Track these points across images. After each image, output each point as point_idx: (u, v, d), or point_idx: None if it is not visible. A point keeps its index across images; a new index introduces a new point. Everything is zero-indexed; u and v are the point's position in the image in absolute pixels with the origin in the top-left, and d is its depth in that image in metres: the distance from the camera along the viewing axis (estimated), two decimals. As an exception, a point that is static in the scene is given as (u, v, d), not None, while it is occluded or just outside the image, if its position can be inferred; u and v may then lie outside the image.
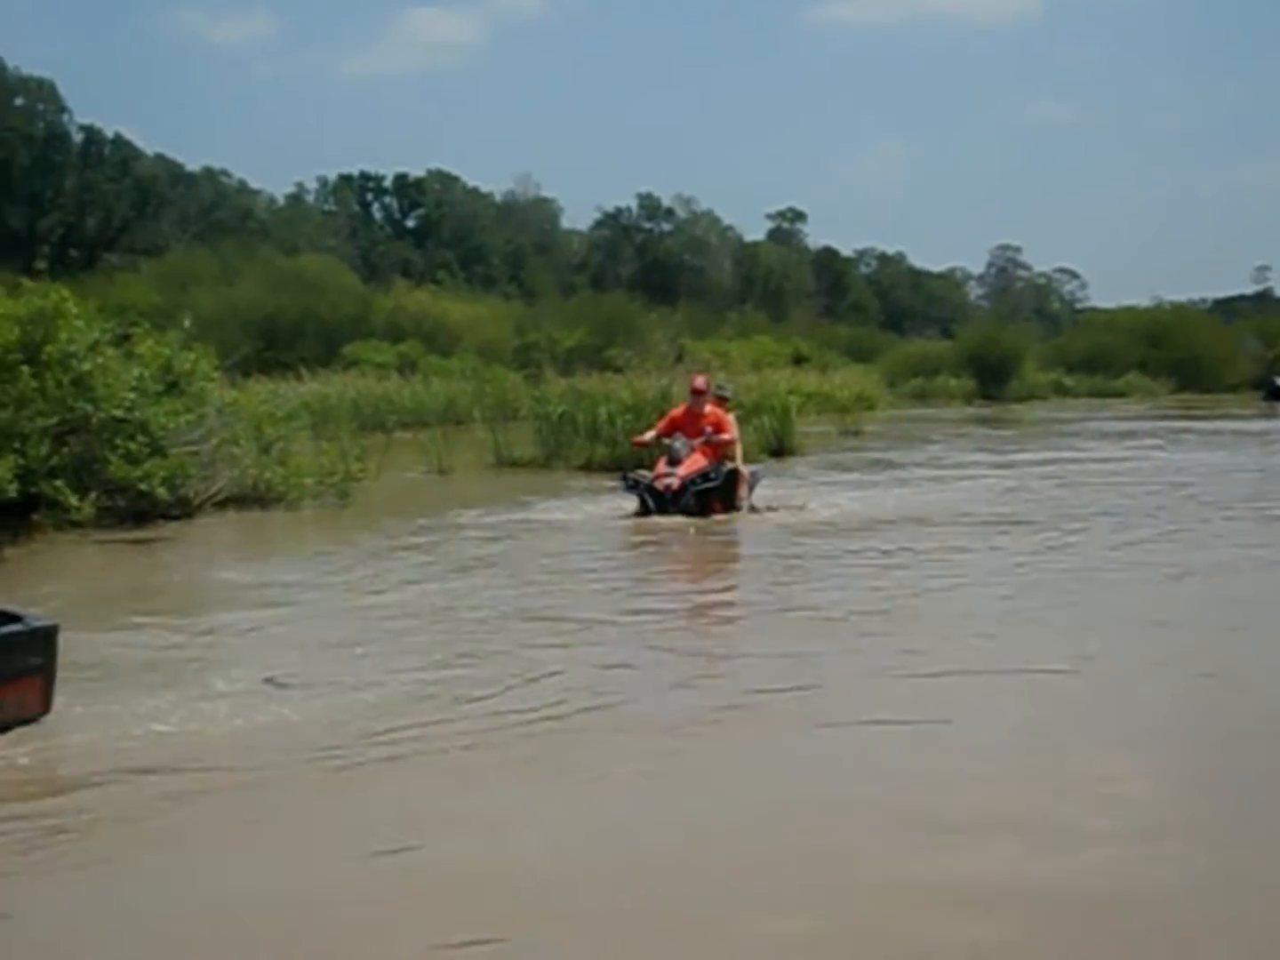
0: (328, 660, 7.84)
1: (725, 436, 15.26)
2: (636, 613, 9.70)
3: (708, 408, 15.42)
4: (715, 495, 14.90)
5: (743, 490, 15.29)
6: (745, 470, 15.54)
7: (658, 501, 14.57)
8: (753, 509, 15.32)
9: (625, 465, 16.88)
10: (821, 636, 8.66)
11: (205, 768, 5.81)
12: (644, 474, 15.14)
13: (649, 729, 6.54)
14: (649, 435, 15.90)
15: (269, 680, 7.21)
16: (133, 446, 14.45)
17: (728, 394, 16.81)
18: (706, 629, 9.72)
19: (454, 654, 8.04)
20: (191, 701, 6.76)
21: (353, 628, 8.92)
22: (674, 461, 14.83)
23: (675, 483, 14.58)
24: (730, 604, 10.65)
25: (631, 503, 15.03)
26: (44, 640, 6.29)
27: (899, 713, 6.69)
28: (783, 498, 16.02)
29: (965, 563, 11.78)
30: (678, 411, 15.79)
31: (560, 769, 5.93)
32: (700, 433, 15.12)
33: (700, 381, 15.93)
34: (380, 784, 5.71)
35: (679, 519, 14.29)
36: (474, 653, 8.10)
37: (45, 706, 6.27)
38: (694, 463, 14.85)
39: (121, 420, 14.54)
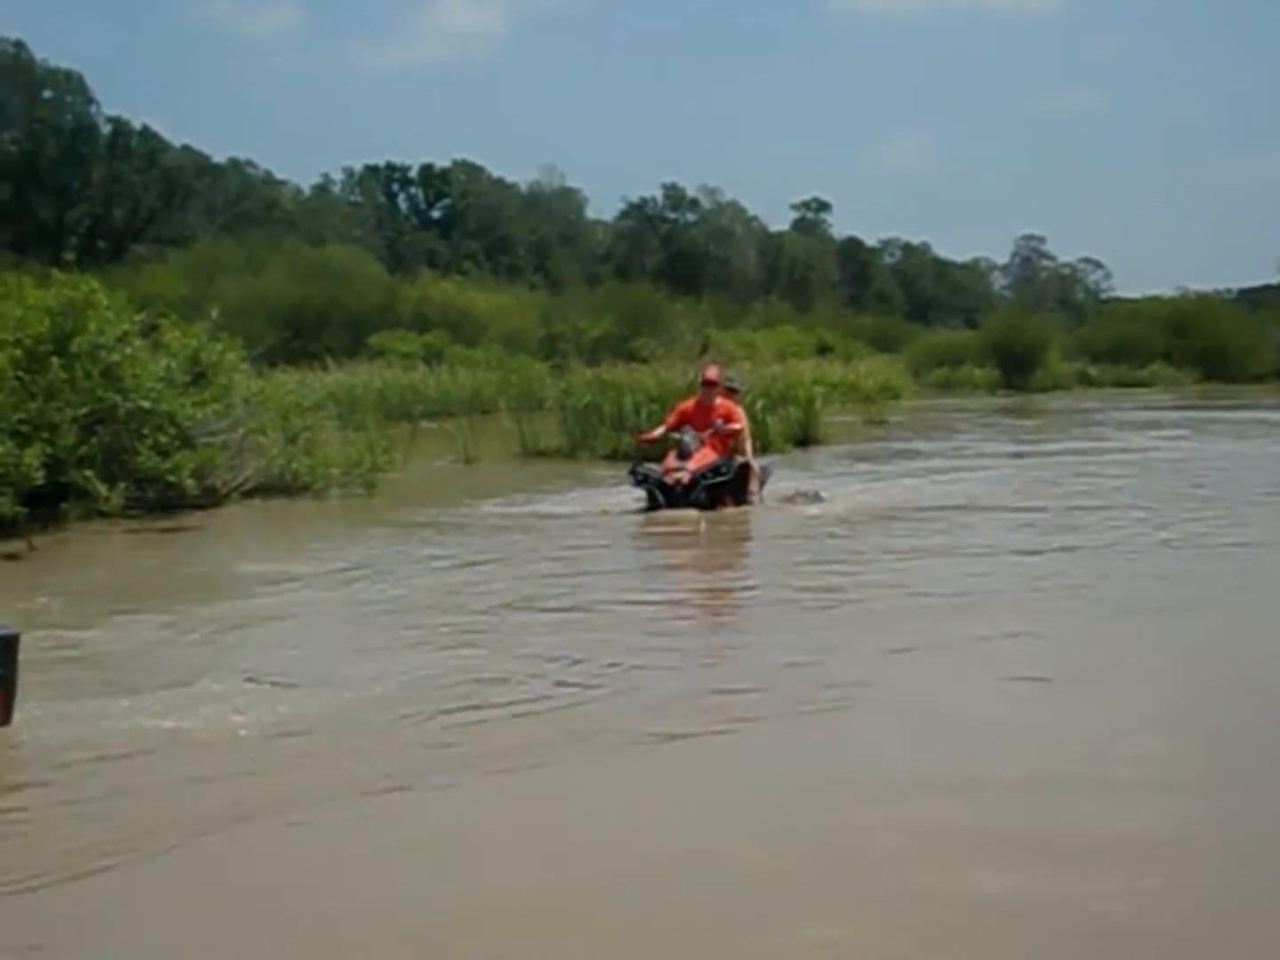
0: (337, 657, 7.77)
1: (735, 426, 15.00)
2: (656, 606, 9.72)
3: (718, 400, 15.17)
4: (726, 489, 14.64)
5: (754, 484, 15.03)
6: (756, 465, 15.31)
7: (667, 496, 14.32)
8: (783, 502, 15.04)
9: (636, 458, 16.40)
10: (842, 631, 8.56)
11: (200, 767, 5.76)
12: (653, 468, 14.82)
13: (677, 722, 6.50)
14: (657, 432, 15.62)
15: (268, 680, 7.04)
16: (162, 439, 14.51)
17: (738, 386, 16.62)
18: (721, 623, 9.71)
19: (475, 648, 7.99)
20: (191, 699, 6.69)
21: (369, 622, 8.90)
22: (684, 455, 14.58)
23: (685, 477, 14.34)
24: (744, 598, 10.53)
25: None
26: (3, 650, 6.09)
27: (926, 709, 6.73)
28: (800, 490, 15.67)
29: (993, 556, 11.64)
30: (687, 404, 15.52)
31: (575, 767, 5.93)
32: (710, 425, 14.87)
33: (711, 373, 15.68)
34: (392, 777, 5.68)
35: (691, 513, 14.08)
36: (484, 645, 8.06)
37: (5, 718, 6.09)
38: (704, 457, 14.62)
39: (149, 411, 14.59)
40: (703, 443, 14.73)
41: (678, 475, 14.36)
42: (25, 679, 6.25)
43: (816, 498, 15.23)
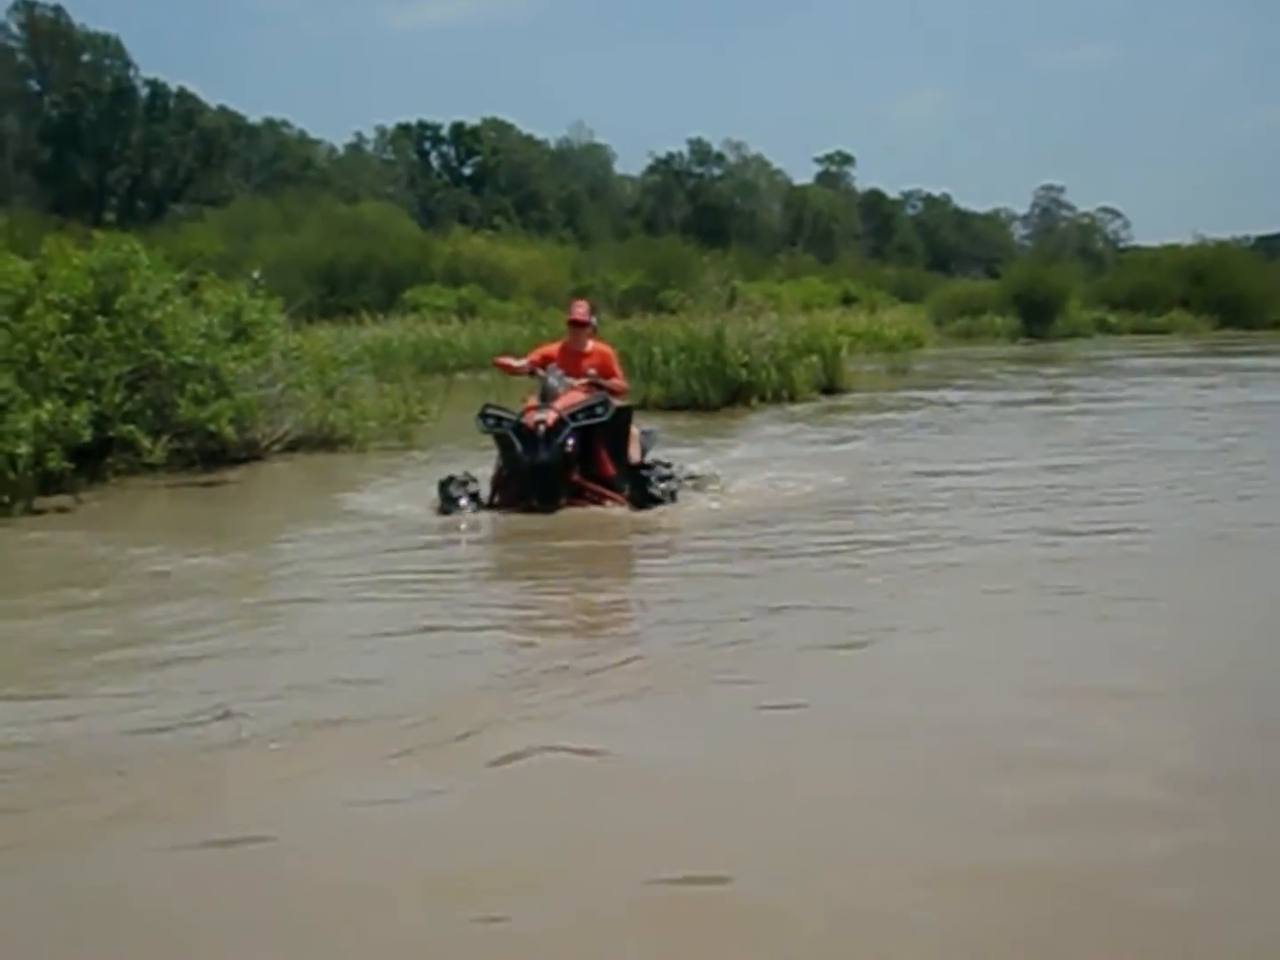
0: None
1: (618, 383, 12.27)
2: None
3: (590, 344, 12.46)
4: (601, 440, 11.88)
5: (634, 449, 12.31)
6: (635, 430, 12.51)
7: (526, 444, 11.47)
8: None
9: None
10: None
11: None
12: (509, 411, 11.92)
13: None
14: (519, 363, 12.58)
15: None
16: (200, 389, 14.81)
17: (595, 323, 13.10)
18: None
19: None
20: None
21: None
22: (547, 397, 11.72)
23: (550, 417, 11.46)
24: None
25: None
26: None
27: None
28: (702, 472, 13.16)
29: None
30: (552, 348, 12.66)
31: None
32: (582, 374, 12.09)
33: (580, 311, 12.58)
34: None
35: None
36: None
37: None
38: (572, 396, 11.77)
39: (191, 366, 14.95)
40: (572, 388, 11.91)
41: (539, 417, 11.54)
42: None
43: (713, 483, 12.76)
